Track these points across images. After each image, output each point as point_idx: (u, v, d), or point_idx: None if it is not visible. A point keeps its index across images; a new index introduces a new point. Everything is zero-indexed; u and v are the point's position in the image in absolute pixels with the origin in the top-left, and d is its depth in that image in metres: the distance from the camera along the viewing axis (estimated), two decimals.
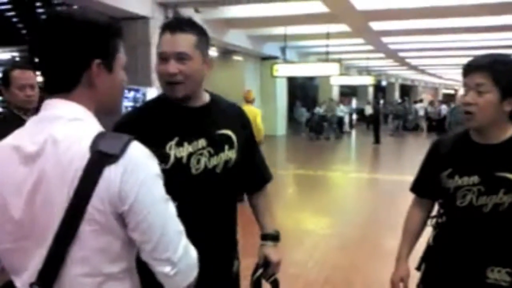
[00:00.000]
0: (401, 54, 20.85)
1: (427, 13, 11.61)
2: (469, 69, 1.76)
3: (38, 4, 15.46)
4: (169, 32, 1.66)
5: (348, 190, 9.74)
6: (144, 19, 9.80)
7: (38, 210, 1.06)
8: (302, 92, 27.95)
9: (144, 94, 9.49)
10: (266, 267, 1.93)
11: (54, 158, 1.05)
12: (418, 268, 2.04)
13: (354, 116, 24.89)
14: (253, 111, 7.41)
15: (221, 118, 1.82)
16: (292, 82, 23.74)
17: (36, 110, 2.78)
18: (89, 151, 1.04)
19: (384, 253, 4.97)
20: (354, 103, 27.04)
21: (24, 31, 17.31)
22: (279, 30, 14.69)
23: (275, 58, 17.70)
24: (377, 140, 17.41)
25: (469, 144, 1.85)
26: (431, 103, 24.30)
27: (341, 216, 7.11)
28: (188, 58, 1.65)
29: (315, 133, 19.55)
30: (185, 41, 1.66)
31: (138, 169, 1.07)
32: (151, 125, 1.71)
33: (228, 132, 1.80)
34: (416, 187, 2.07)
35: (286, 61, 16.73)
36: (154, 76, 9.68)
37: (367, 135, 19.85)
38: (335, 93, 25.06)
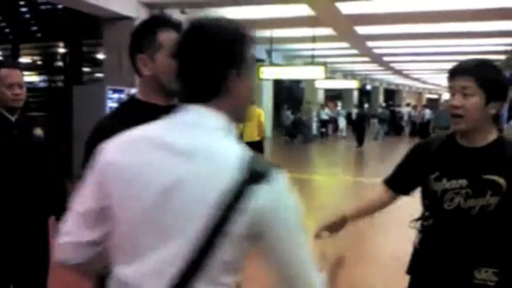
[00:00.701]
0: (386, 58, 21.02)
1: (412, 18, 11.72)
2: (454, 73, 1.81)
3: (21, 2, 15.28)
4: (174, 30, 1.70)
5: (331, 192, 9.77)
6: (129, 19, 9.74)
7: (170, 208, 1.06)
8: (287, 95, 28.02)
9: (128, 95, 9.42)
10: None
11: (205, 165, 1.06)
12: (408, 272, 2.04)
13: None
14: (257, 111, 8.78)
15: None
16: (278, 85, 23.78)
17: (22, 110, 2.77)
18: (240, 166, 1.05)
19: (370, 255, 4.99)
20: (339, 106, 27.11)
21: (7, 30, 17.07)
22: (265, 33, 14.71)
23: (261, 61, 17.72)
24: (360, 143, 17.57)
25: (456, 147, 1.87)
26: (414, 107, 24.55)
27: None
28: None
29: (289, 136, 19.58)
30: None
31: (284, 198, 1.09)
32: (123, 127, 1.72)
33: None
34: (390, 182, 2.11)
35: (272, 64, 16.75)
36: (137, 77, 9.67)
37: (352, 139, 19.95)
38: (320, 97, 25.16)
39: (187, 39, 1.16)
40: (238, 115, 1.19)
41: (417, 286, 2.01)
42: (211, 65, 1.12)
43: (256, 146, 8.25)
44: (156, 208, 1.07)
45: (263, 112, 8.75)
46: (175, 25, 1.72)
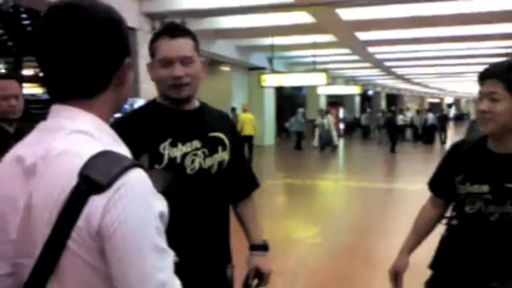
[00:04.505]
0: (387, 63, 21.05)
1: (411, 23, 11.76)
2: (482, 78, 1.78)
3: (23, 15, 15.38)
4: (168, 37, 1.70)
5: (337, 198, 9.76)
6: (131, 30, 9.79)
7: (27, 232, 0.93)
8: (290, 102, 28.03)
9: (131, 105, 9.43)
10: (257, 277, 1.92)
11: (44, 175, 0.92)
12: (431, 267, 2.04)
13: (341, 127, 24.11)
14: (249, 116, 13.49)
15: (212, 122, 1.85)
16: (280, 92, 23.80)
17: (21, 121, 2.78)
18: (77, 175, 0.88)
19: (375, 261, 4.97)
20: (341, 112, 26.90)
21: (10, 43, 17.19)
22: (266, 41, 14.77)
23: (263, 68, 17.77)
24: (393, 149, 17.46)
25: (484, 152, 1.86)
26: (417, 112, 24.52)
27: (330, 225, 7.13)
28: (191, 61, 1.71)
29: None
30: (186, 45, 1.71)
31: (127, 208, 0.89)
32: (143, 127, 1.74)
33: (220, 135, 1.83)
34: (432, 185, 2.08)
35: (273, 71, 16.80)
36: (142, 87, 9.69)
37: (361, 144, 19.80)
38: (322, 103, 25.19)
39: (58, 23, 0.94)
40: (119, 107, 1.05)
41: (437, 282, 2.01)
42: (103, 54, 0.96)
43: (251, 139, 13.13)
44: (19, 237, 0.94)
45: (253, 116, 13.66)
46: (171, 32, 1.71)
